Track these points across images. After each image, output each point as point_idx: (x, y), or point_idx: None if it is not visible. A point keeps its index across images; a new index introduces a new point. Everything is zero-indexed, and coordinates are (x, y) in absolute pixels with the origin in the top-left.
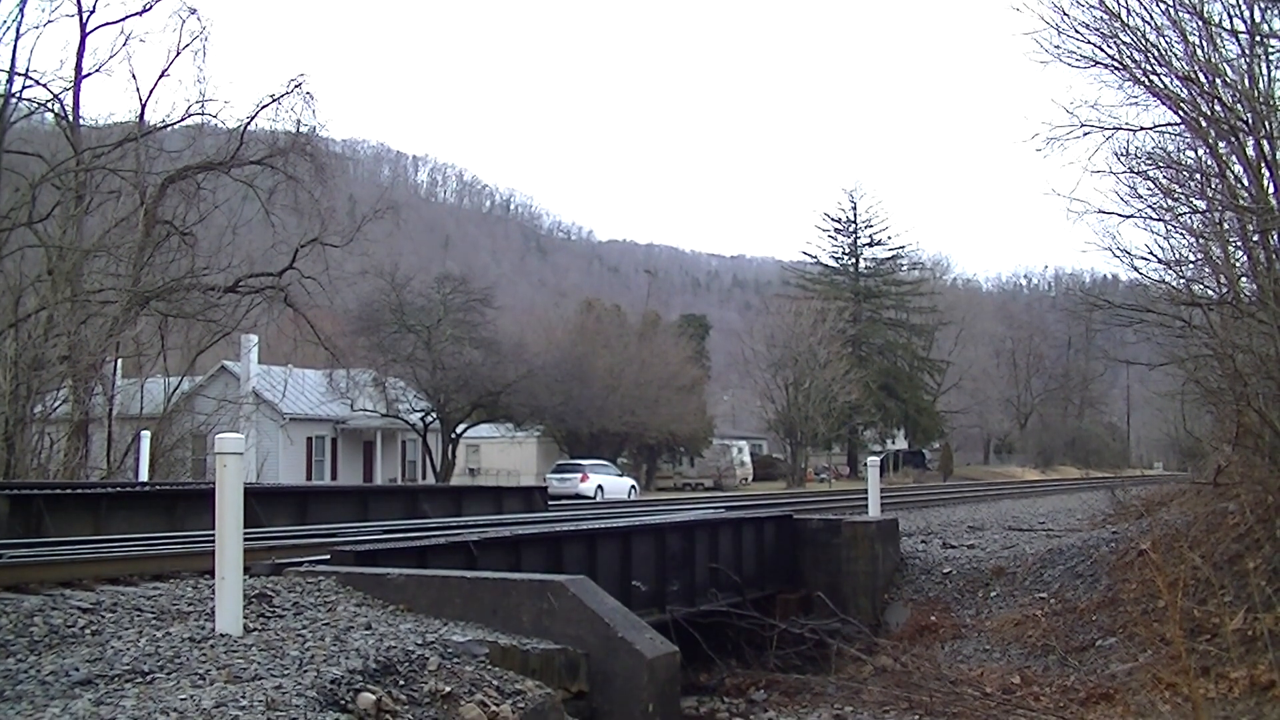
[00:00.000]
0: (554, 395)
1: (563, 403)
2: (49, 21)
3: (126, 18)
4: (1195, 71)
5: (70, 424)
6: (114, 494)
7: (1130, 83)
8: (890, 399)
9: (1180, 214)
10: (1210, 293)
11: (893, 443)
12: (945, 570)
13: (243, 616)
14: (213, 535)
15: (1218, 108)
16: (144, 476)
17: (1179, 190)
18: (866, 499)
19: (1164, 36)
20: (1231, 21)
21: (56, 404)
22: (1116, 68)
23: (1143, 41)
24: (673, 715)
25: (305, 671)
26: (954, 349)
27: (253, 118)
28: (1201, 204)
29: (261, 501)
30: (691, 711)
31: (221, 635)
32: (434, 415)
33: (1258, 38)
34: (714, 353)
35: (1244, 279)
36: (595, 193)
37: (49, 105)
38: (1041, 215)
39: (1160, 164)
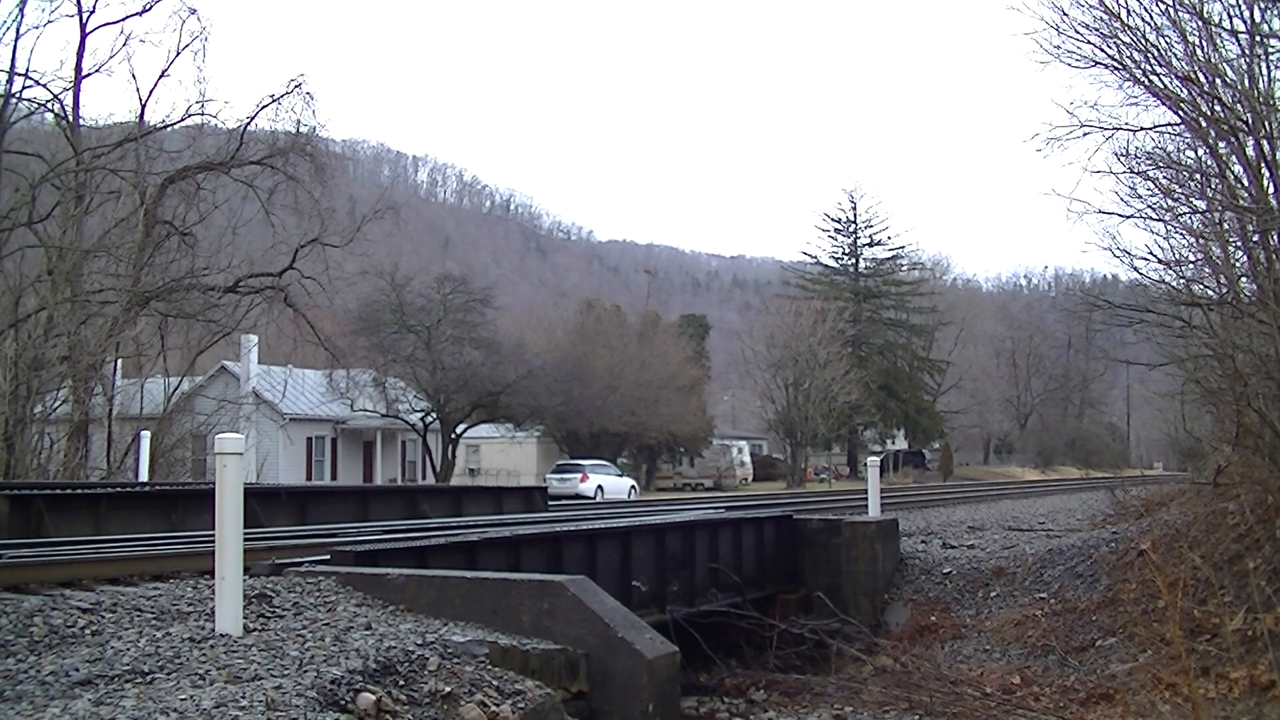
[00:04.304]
0: (554, 395)
1: (563, 403)
2: (49, 21)
3: (126, 18)
4: (1195, 71)
5: (70, 424)
6: (114, 494)
7: (1130, 83)
8: (890, 399)
9: (1180, 214)
10: (1210, 293)
11: (893, 443)
12: (945, 570)
13: (243, 617)
14: (213, 535)
15: (1218, 108)
16: (144, 477)
17: (1179, 190)
18: (866, 499)
19: (1164, 36)
20: (1231, 21)
21: (56, 404)
22: (1116, 68)
23: (1142, 41)
24: (673, 715)
25: (305, 671)
26: (954, 349)
27: (253, 118)
28: (1201, 204)
29: (261, 501)
30: (691, 711)
31: (221, 635)
32: (434, 415)
33: (1258, 38)
34: (714, 353)
35: (1244, 279)
36: (595, 193)
37: (49, 105)
38: (1041, 215)
39: (1160, 164)
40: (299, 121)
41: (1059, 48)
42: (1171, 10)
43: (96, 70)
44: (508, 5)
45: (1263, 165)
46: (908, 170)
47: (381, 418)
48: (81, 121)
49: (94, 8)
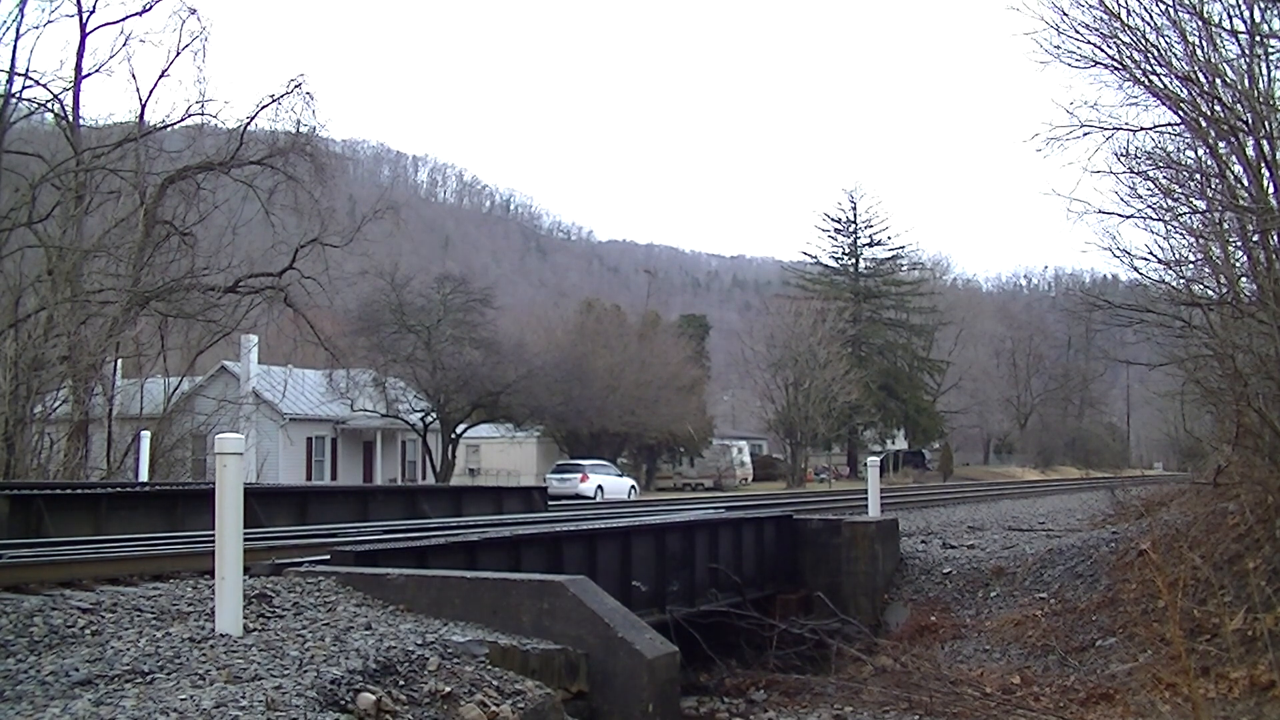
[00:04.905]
0: (554, 395)
1: (563, 403)
2: (49, 21)
3: (126, 18)
4: (1195, 71)
5: (70, 424)
6: (114, 494)
7: (1130, 83)
8: (890, 399)
9: (1180, 214)
10: (1210, 293)
11: (893, 443)
12: (945, 570)
13: (243, 617)
14: (213, 535)
15: (1218, 108)
16: (144, 476)
17: (1179, 190)
18: (866, 499)
19: (1164, 36)
20: (1231, 21)
21: (56, 404)
22: (1116, 68)
23: (1142, 41)
24: (673, 715)
25: (305, 671)
26: (954, 349)
27: (252, 118)
28: (1201, 204)
29: (261, 501)
30: (691, 711)
31: (221, 635)
32: (434, 415)
33: (1258, 38)
34: (714, 353)
35: (1244, 279)
36: (595, 193)
37: (49, 105)
38: (1041, 215)
39: (1160, 164)
40: (299, 121)
41: (1059, 48)
42: (1171, 10)
43: (96, 70)
44: (508, 5)
45: (1263, 165)
46: (908, 170)
47: (381, 418)
48: (81, 121)
49: (94, 8)
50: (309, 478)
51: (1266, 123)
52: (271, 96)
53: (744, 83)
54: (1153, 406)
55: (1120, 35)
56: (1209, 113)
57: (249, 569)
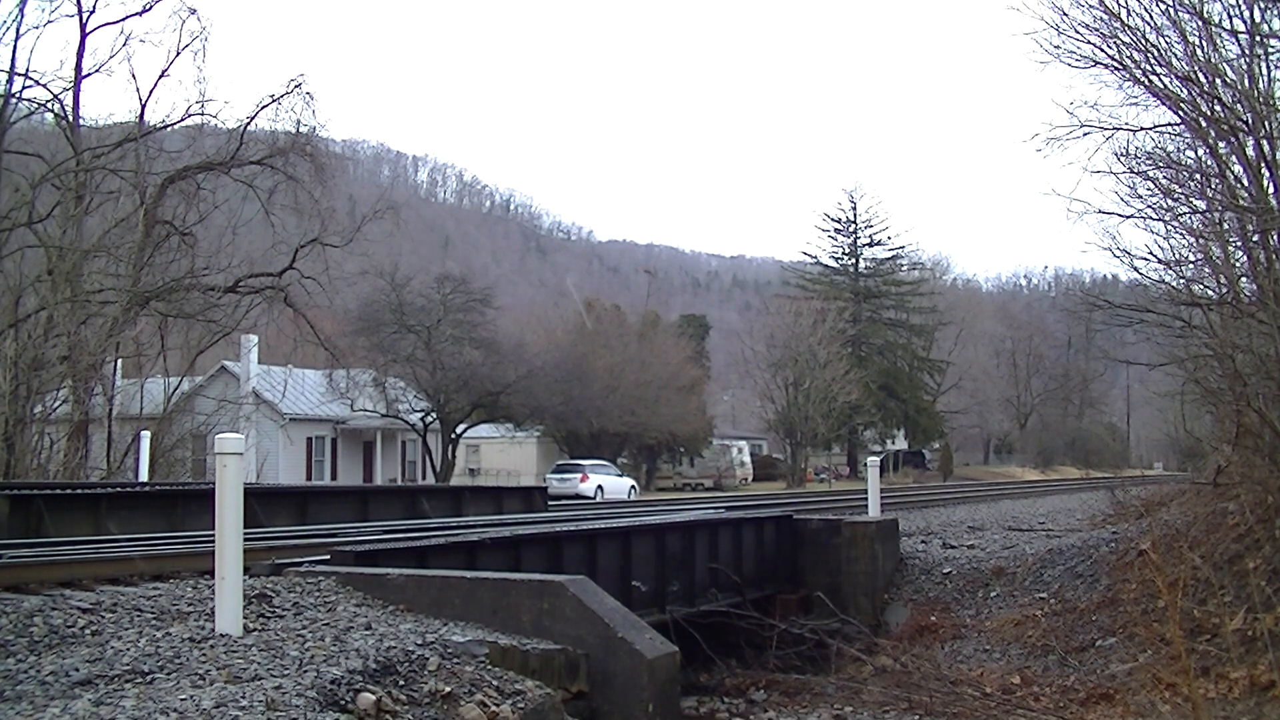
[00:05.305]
0: (554, 395)
1: (563, 403)
2: (49, 21)
3: (126, 18)
4: (1195, 71)
5: (70, 424)
6: (114, 494)
7: (1130, 83)
8: (890, 399)
9: (1180, 214)
10: (1210, 293)
11: (893, 443)
12: (945, 570)
13: (243, 617)
14: (213, 535)
15: (1218, 108)
16: (144, 476)
17: (1179, 190)
18: (866, 499)
19: (1164, 36)
20: (1231, 21)
21: (56, 404)
22: (1116, 68)
23: (1142, 41)
24: (673, 715)
25: (305, 672)
26: (954, 349)
27: (252, 118)
28: (1201, 204)
29: (261, 501)
30: (691, 711)
31: (221, 635)
32: (434, 415)
33: (1258, 38)
34: (714, 353)
35: (1244, 279)
36: (595, 193)
37: (49, 105)
38: (1041, 215)
39: (1160, 164)
40: (299, 121)
41: (1059, 48)
42: (1171, 10)
43: (96, 70)
44: (508, 5)
45: (1263, 165)
46: (908, 170)
47: (381, 418)
48: (81, 121)
49: (94, 8)
50: (309, 478)
51: (1266, 123)
52: (271, 96)
53: (744, 82)
54: (1153, 406)
55: (1120, 35)
56: (1209, 113)
57: (249, 569)
